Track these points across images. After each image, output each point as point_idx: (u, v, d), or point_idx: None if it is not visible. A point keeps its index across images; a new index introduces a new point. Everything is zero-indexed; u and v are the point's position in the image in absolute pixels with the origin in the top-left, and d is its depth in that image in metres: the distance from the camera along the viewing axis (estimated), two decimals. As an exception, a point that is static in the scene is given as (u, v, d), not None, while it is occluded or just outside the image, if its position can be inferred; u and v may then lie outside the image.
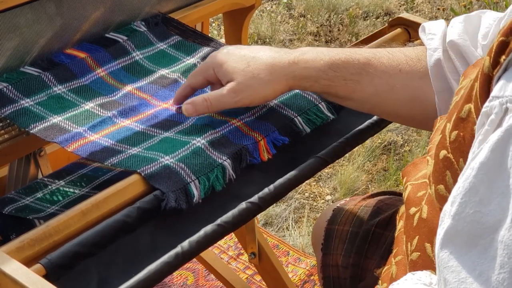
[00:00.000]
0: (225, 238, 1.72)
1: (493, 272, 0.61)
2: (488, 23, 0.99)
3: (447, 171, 0.74)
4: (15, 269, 0.76)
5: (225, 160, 0.94)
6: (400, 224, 0.95)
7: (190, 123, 1.02)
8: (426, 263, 0.79)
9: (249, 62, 0.98)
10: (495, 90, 0.65)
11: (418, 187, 0.90)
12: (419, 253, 0.82)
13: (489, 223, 0.62)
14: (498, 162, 0.62)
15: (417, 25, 1.19)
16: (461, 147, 0.72)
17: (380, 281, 0.96)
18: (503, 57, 0.64)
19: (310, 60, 0.97)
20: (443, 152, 0.75)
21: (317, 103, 1.05)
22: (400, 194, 1.26)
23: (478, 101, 0.68)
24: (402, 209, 0.97)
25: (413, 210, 0.87)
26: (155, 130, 1.02)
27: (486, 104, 0.65)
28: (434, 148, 0.79)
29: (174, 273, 1.94)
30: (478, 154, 0.63)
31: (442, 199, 0.72)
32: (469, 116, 0.71)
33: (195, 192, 0.90)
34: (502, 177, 0.61)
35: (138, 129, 1.02)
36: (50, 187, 1.06)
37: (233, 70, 0.98)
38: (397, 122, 1.08)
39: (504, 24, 0.66)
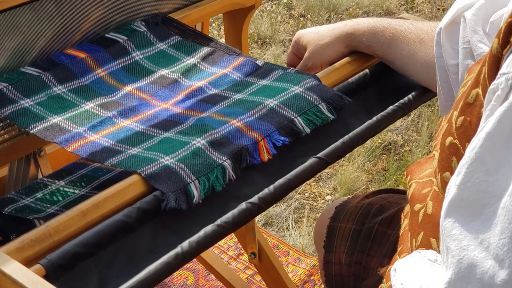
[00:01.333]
0: (225, 238, 1.72)
1: (494, 238, 0.61)
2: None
3: (453, 157, 0.75)
4: (15, 269, 0.76)
5: (225, 161, 0.94)
6: (405, 223, 0.96)
7: (190, 123, 1.02)
8: None
9: (318, 32, 1.21)
10: (503, 68, 0.66)
11: (423, 185, 0.91)
12: (424, 249, 0.83)
13: (495, 192, 0.63)
14: (505, 133, 0.62)
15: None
16: (467, 132, 0.72)
17: (384, 280, 0.96)
18: None
19: (357, 25, 1.18)
20: (449, 139, 0.76)
21: (317, 103, 1.05)
22: (403, 192, 1.27)
23: (486, 83, 0.69)
24: (407, 208, 0.97)
25: (418, 206, 0.88)
26: (155, 130, 1.02)
27: (494, 82, 0.66)
28: (440, 141, 0.79)
29: (174, 273, 1.94)
30: (485, 126, 0.64)
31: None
32: (476, 100, 0.71)
33: (195, 193, 0.90)
34: (510, 146, 0.62)
35: (138, 129, 1.02)
36: (50, 187, 1.06)
37: (307, 42, 1.22)
38: (421, 84, 1.18)
39: None
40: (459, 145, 0.74)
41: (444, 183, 0.77)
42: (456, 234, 0.64)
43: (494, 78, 0.67)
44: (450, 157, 0.76)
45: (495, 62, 0.68)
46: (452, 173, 0.75)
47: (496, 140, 0.63)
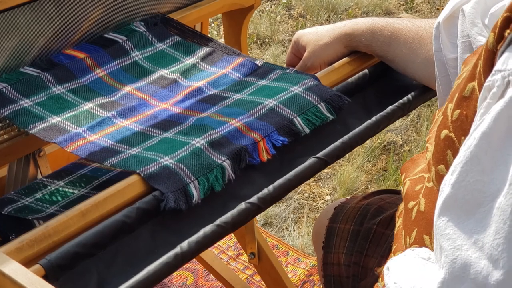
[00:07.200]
0: (224, 238, 1.72)
1: (489, 238, 0.61)
2: None
3: (448, 150, 0.75)
4: (15, 269, 0.76)
5: (224, 161, 0.94)
6: (399, 221, 0.96)
7: (190, 124, 1.02)
8: None
9: (317, 32, 1.22)
10: (498, 64, 0.65)
11: (416, 182, 0.91)
12: (418, 246, 0.83)
13: (490, 191, 0.62)
14: (501, 132, 0.62)
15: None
16: (463, 126, 0.72)
17: (380, 279, 0.96)
18: (508, 31, 0.65)
19: (355, 25, 1.19)
20: (444, 132, 0.75)
21: (316, 103, 1.05)
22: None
23: (481, 77, 0.69)
24: (402, 206, 0.97)
25: (411, 204, 0.88)
26: (155, 131, 1.02)
27: (489, 78, 0.66)
28: (434, 134, 0.79)
29: (173, 273, 1.94)
30: (480, 124, 0.64)
31: (442, 179, 0.72)
32: (472, 94, 0.71)
33: (195, 193, 0.90)
34: (506, 146, 0.62)
35: (137, 129, 1.02)
36: (49, 187, 1.07)
37: (307, 42, 1.22)
38: (422, 83, 1.18)
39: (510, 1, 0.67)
40: (455, 139, 0.74)
41: (438, 176, 0.77)
42: (450, 234, 0.64)
43: (489, 73, 0.67)
44: (445, 150, 0.75)
45: (490, 57, 0.68)
46: (446, 166, 0.75)
47: (491, 139, 0.63)
